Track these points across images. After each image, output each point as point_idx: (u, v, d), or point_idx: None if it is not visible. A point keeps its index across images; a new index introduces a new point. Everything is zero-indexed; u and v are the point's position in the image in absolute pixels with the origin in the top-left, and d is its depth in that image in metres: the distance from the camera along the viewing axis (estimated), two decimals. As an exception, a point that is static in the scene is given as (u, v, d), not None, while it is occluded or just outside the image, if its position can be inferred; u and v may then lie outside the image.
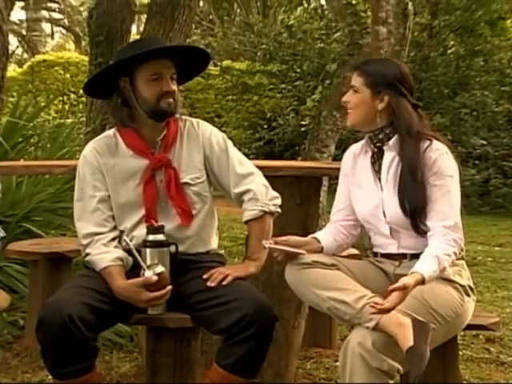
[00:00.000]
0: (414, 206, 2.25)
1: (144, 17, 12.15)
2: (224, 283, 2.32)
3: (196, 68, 2.65)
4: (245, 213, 2.48)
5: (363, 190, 2.42)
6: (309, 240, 2.42)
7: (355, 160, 2.47)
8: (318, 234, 2.46)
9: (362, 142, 2.46)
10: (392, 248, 2.38)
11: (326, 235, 2.46)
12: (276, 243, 2.31)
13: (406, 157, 2.28)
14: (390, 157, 2.35)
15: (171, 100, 2.42)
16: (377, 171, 2.39)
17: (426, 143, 2.30)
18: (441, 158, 2.28)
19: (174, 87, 2.44)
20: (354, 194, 2.45)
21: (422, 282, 2.13)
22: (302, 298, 2.36)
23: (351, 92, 2.39)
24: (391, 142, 2.34)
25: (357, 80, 2.38)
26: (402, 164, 2.30)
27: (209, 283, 2.34)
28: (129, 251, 2.37)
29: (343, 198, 2.50)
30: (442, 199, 2.25)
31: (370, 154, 2.42)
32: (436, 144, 2.30)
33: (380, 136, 2.36)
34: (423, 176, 2.26)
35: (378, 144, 2.38)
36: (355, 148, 2.49)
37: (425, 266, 2.15)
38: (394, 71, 2.35)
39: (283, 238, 2.34)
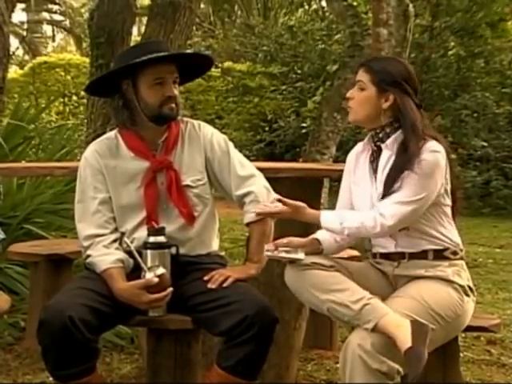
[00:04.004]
0: (388, 187, 2.26)
1: (145, 19, 12.16)
2: (224, 285, 2.32)
3: (198, 70, 2.65)
4: (246, 215, 2.48)
5: (360, 188, 2.42)
6: (310, 241, 2.42)
7: (357, 158, 2.47)
8: (318, 235, 2.47)
9: (365, 140, 2.46)
10: (390, 247, 2.37)
11: (327, 236, 2.46)
12: (277, 246, 2.32)
13: (404, 153, 2.26)
14: (386, 156, 2.35)
15: (173, 105, 2.43)
16: (374, 170, 2.38)
17: (423, 141, 2.27)
18: (429, 156, 2.24)
19: (176, 91, 2.45)
20: (353, 191, 2.46)
21: (317, 219, 2.32)
22: (301, 299, 2.36)
23: (357, 88, 2.38)
24: (389, 141, 2.34)
25: (363, 76, 2.36)
26: (396, 157, 2.29)
27: (209, 285, 2.34)
28: (130, 253, 2.37)
29: (346, 196, 2.50)
30: (402, 188, 2.23)
31: (370, 152, 2.42)
32: (432, 143, 2.28)
33: (380, 135, 2.36)
34: (409, 172, 2.23)
35: (377, 143, 2.38)
36: (358, 147, 2.49)
37: (330, 215, 2.33)
38: (400, 70, 2.35)
39: (285, 240, 2.34)
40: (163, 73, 2.41)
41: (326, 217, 2.32)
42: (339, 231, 2.31)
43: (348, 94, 2.42)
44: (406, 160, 2.25)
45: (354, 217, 2.30)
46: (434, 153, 2.26)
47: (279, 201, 2.35)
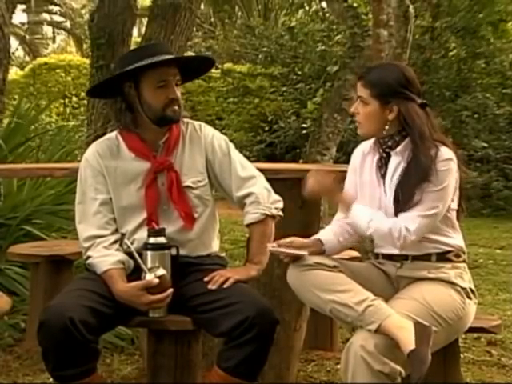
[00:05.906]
0: (406, 199, 2.25)
1: (145, 20, 12.15)
2: (225, 286, 2.32)
3: (198, 70, 2.65)
4: (246, 216, 2.48)
5: (366, 191, 2.41)
6: (312, 242, 2.42)
7: (364, 158, 2.46)
8: (321, 235, 2.46)
9: (371, 142, 2.44)
10: (394, 249, 2.37)
11: (330, 236, 2.45)
12: (279, 245, 2.32)
13: (417, 163, 2.25)
14: (396, 162, 2.34)
15: (176, 107, 2.43)
16: (382, 175, 2.38)
17: (435, 150, 2.26)
18: (443, 165, 2.25)
19: (179, 93, 2.45)
20: (359, 193, 2.45)
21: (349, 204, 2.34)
22: (303, 300, 2.36)
23: (360, 103, 2.36)
24: (399, 149, 2.33)
25: (363, 91, 2.35)
26: (408, 165, 2.29)
27: (210, 286, 2.33)
28: (130, 254, 2.36)
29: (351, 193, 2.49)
30: (423, 201, 2.24)
31: (377, 156, 2.41)
32: (444, 150, 2.27)
33: (389, 143, 2.35)
34: (427, 183, 2.24)
35: (386, 150, 2.37)
36: (365, 146, 2.48)
37: (363, 208, 2.32)
38: (398, 77, 2.32)
39: (287, 239, 2.34)
40: (166, 75, 2.41)
41: (357, 209, 2.32)
42: (363, 228, 2.30)
43: (352, 109, 2.40)
44: (420, 171, 2.23)
45: (384, 222, 2.27)
46: (447, 161, 2.26)
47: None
